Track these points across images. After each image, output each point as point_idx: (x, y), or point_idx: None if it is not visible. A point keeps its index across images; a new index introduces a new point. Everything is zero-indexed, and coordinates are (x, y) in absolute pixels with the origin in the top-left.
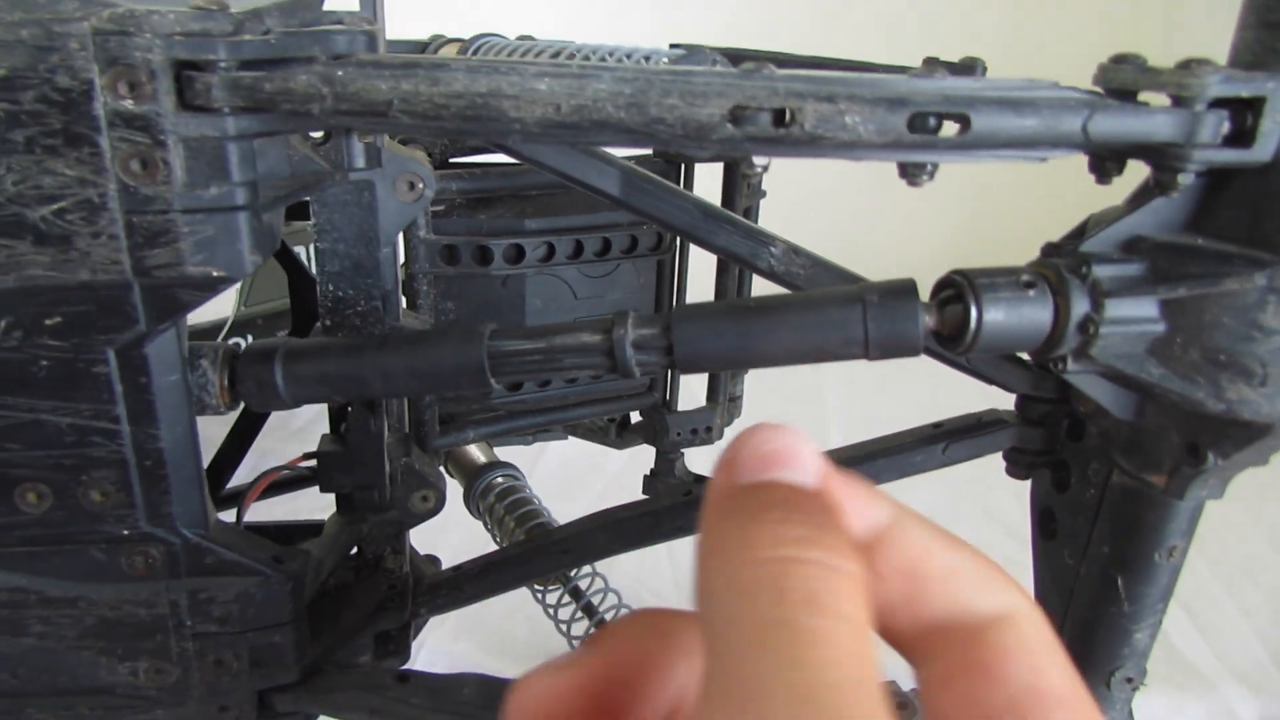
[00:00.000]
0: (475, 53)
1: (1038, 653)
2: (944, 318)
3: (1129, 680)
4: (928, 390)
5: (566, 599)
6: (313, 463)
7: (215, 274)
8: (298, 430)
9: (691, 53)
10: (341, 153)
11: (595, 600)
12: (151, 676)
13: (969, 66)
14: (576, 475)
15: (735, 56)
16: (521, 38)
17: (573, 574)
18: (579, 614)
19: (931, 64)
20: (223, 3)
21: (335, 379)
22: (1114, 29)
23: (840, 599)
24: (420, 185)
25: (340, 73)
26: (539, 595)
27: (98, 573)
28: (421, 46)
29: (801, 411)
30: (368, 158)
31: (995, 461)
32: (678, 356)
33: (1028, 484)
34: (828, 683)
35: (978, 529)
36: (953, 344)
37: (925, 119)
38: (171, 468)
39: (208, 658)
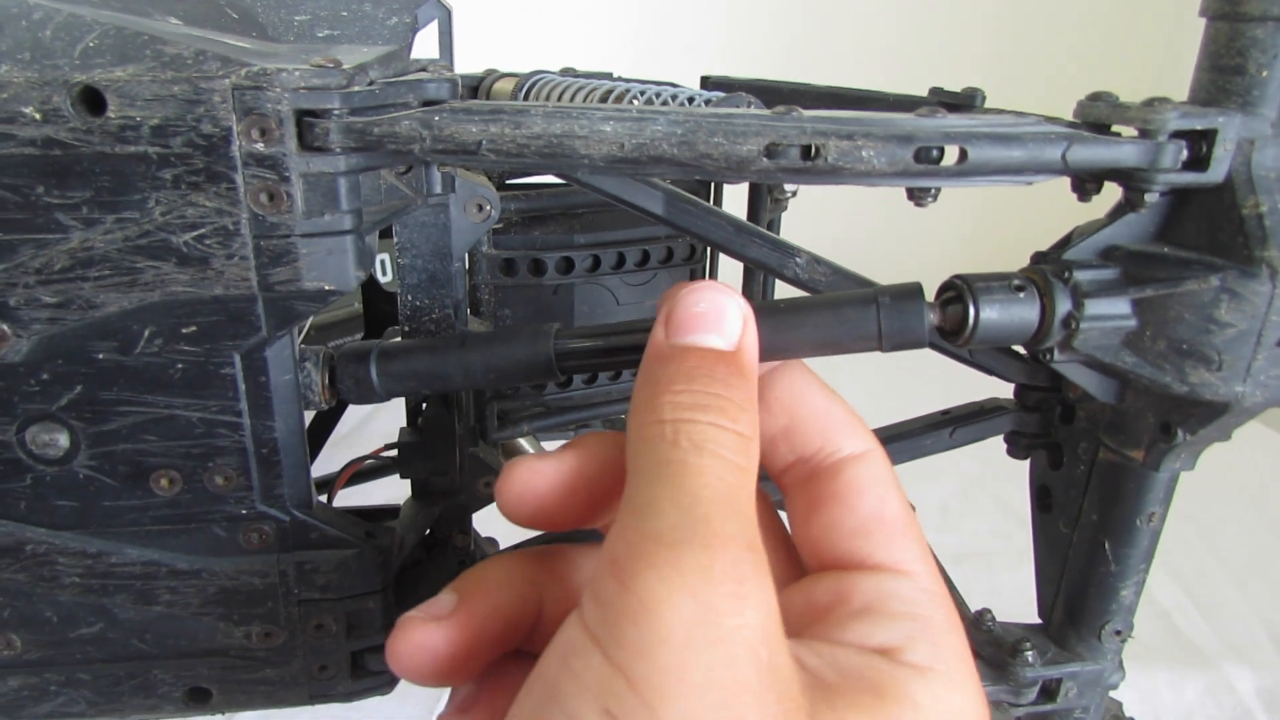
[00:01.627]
0: (531, 88)
1: (883, 488)
2: (946, 315)
3: (1118, 633)
4: (935, 384)
5: None
6: (391, 453)
7: (327, 288)
8: (345, 435)
9: (730, 96)
10: (422, 181)
11: None
12: (262, 639)
13: (969, 96)
14: None
15: (761, 89)
16: (564, 70)
17: None
18: None
19: (936, 93)
20: (337, 60)
21: (423, 374)
22: (1111, 56)
23: (722, 447)
24: (488, 207)
25: (437, 118)
26: None
27: (219, 547)
28: (478, 80)
29: None
30: (444, 184)
31: (1002, 456)
32: None
33: (1027, 475)
34: (701, 497)
35: (988, 517)
36: (954, 338)
37: (929, 151)
38: (284, 455)
39: (311, 622)
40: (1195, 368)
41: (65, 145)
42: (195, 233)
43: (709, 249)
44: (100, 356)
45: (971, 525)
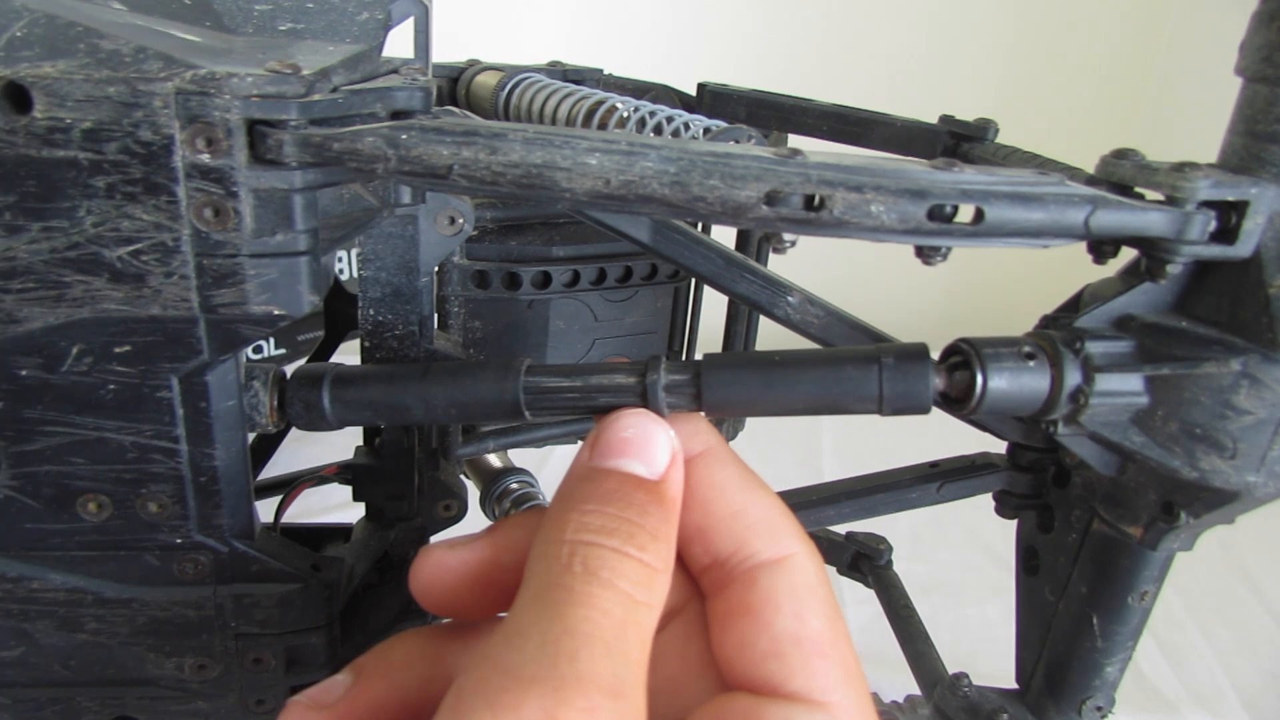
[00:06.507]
0: (514, 88)
1: (803, 600)
2: (952, 381)
3: (1099, 709)
4: (920, 427)
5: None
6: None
7: (276, 312)
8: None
9: (730, 128)
10: (390, 190)
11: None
12: (195, 671)
13: (982, 128)
14: None
15: (761, 101)
16: (551, 64)
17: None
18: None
19: (947, 121)
20: (296, 65)
21: (379, 405)
22: (1114, 76)
23: (620, 575)
24: (460, 220)
25: (405, 136)
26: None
27: (151, 577)
28: (459, 71)
29: (797, 435)
30: (413, 194)
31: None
32: (705, 401)
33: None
34: (575, 630)
35: (959, 548)
36: (959, 406)
37: (943, 209)
38: (224, 483)
39: (248, 656)
40: (1207, 453)
41: None
42: (130, 247)
43: None
44: (23, 373)
45: (943, 555)
